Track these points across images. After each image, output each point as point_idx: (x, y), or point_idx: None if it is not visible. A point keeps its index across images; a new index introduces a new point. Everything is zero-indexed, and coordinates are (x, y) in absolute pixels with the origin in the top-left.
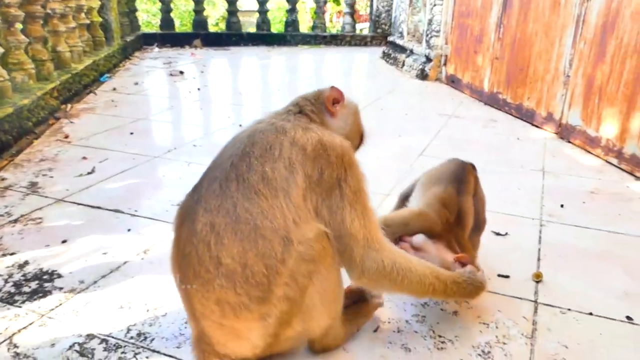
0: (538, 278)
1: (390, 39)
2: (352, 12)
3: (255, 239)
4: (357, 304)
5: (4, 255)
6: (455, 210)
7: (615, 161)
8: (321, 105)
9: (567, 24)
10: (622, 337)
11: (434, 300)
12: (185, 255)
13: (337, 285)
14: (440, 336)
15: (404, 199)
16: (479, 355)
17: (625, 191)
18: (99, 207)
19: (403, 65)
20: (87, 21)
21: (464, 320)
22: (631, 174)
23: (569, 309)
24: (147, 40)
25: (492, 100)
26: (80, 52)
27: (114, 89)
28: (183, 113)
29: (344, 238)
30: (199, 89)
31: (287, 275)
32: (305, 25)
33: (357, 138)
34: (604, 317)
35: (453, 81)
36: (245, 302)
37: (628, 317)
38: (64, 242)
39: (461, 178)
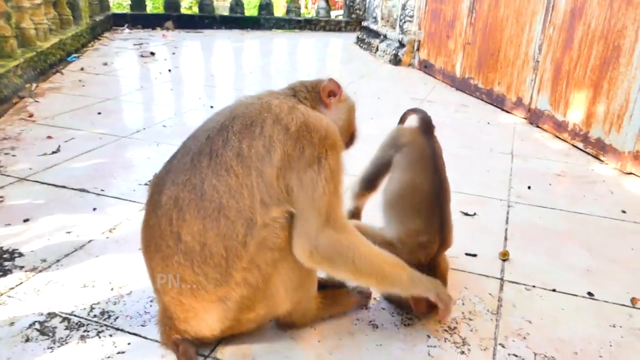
0: (504, 257)
1: (364, 24)
2: None
3: (217, 218)
4: (340, 292)
5: None
6: (429, 257)
7: (581, 145)
8: (316, 95)
9: (537, 10)
10: (583, 311)
11: None
12: (150, 227)
13: (305, 273)
14: (407, 313)
15: (367, 184)
16: (445, 330)
17: (590, 174)
18: (63, 186)
19: (377, 50)
20: None
21: None
22: (596, 157)
23: (534, 286)
24: (118, 21)
25: (463, 86)
26: (46, 30)
27: (82, 68)
28: (153, 94)
29: (306, 211)
30: (169, 70)
31: (248, 260)
32: (280, 10)
33: (348, 135)
34: (567, 293)
35: (426, 66)
36: (203, 283)
37: (589, 293)
38: (25, 221)
39: (443, 207)
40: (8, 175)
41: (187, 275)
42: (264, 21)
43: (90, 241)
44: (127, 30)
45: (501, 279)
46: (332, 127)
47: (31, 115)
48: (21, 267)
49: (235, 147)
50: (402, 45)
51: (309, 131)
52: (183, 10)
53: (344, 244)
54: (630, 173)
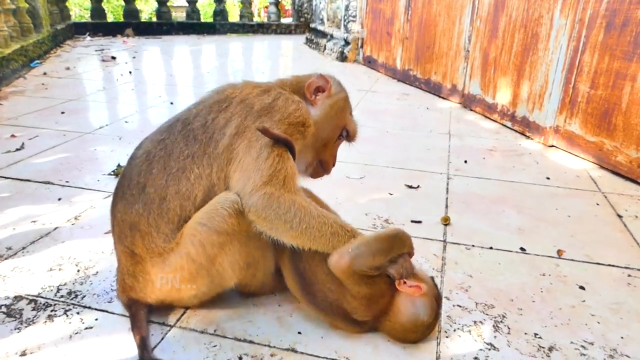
0: (446, 222)
1: (312, 25)
2: (277, 2)
3: (179, 178)
4: None
5: None
6: None
7: (509, 124)
8: (302, 89)
9: (465, 4)
10: (517, 264)
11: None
12: (123, 175)
13: (254, 253)
14: None
15: None
16: None
17: (517, 148)
18: (28, 180)
19: (324, 49)
20: (13, 6)
21: None
22: (522, 134)
23: (473, 245)
24: (79, 30)
25: (404, 77)
26: (6, 37)
27: (45, 73)
28: (115, 94)
29: (248, 172)
30: (130, 72)
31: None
32: (234, 17)
33: (338, 129)
34: (502, 249)
35: (370, 61)
36: (153, 235)
37: (521, 248)
38: None
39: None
40: None
41: (142, 225)
42: (219, 26)
43: (56, 228)
44: (88, 38)
45: (444, 241)
46: (301, 112)
47: None
48: None
49: (203, 118)
50: (347, 43)
51: (271, 110)
52: (143, 20)
53: (282, 201)
54: (552, 146)
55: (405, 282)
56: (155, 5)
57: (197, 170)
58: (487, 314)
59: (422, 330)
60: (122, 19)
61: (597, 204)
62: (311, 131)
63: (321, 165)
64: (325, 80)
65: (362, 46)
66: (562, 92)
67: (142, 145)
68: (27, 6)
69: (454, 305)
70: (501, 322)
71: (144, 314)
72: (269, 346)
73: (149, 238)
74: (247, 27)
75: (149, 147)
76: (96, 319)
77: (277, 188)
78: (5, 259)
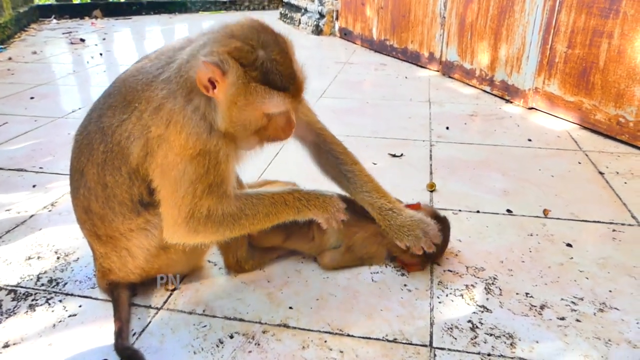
0: (432, 188)
1: (285, 0)
2: None
3: (110, 172)
4: None
5: None
6: None
7: (488, 89)
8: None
9: None
10: (505, 226)
11: None
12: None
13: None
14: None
15: None
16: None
17: (498, 112)
18: (0, 168)
19: (299, 23)
20: None
21: None
22: (502, 98)
23: (460, 210)
24: (44, 13)
25: (381, 47)
26: None
27: (10, 58)
28: (87, 77)
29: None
30: (101, 54)
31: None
32: None
33: (260, 120)
34: (489, 212)
35: (345, 34)
36: (110, 216)
37: (508, 210)
38: None
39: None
40: None
41: (95, 208)
42: (190, 4)
43: (32, 216)
44: (54, 21)
45: (431, 207)
46: (193, 142)
47: None
48: None
49: (109, 119)
50: (322, 16)
51: (168, 140)
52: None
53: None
54: (532, 108)
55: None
56: None
57: (115, 178)
58: (478, 277)
59: None
60: (89, 0)
61: (579, 163)
62: (224, 139)
63: (274, 139)
64: (215, 67)
65: (337, 18)
66: (539, 54)
67: (82, 124)
68: None
69: (444, 271)
70: (492, 284)
71: (127, 297)
72: (260, 323)
73: (108, 219)
74: (219, 4)
75: (80, 129)
76: (80, 306)
77: (199, 219)
78: None
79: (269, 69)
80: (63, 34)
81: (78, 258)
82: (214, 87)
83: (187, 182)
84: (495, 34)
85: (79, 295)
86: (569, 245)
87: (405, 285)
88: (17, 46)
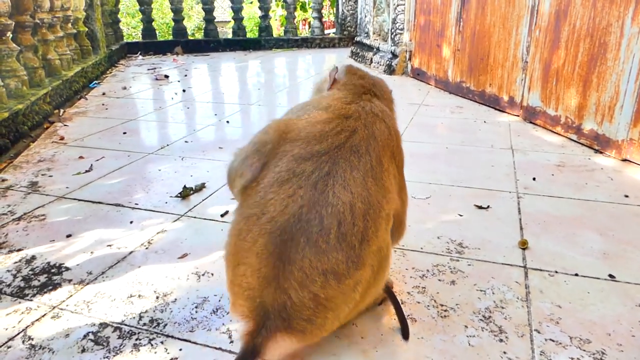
0: (524, 245)
1: (357, 39)
2: (320, 17)
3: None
4: None
5: (10, 251)
6: None
7: (575, 137)
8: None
9: (522, 15)
10: (608, 293)
11: (431, 272)
12: (299, 219)
13: None
14: (442, 305)
15: None
16: (481, 320)
17: (587, 163)
18: (99, 202)
19: (371, 62)
20: (74, 31)
21: (461, 289)
22: (590, 147)
23: (556, 272)
24: (131, 49)
25: (457, 89)
26: (69, 60)
27: (104, 93)
28: (171, 113)
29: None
30: (184, 90)
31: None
32: (275, 32)
33: None
34: (589, 276)
35: (418, 74)
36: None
37: (610, 275)
38: (68, 236)
39: None
40: (47, 195)
41: (341, 270)
42: (264, 42)
43: (131, 252)
44: (140, 57)
45: (524, 267)
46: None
47: (62, 138)
48: (69, 281)
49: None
50: (394, 56)
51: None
52: (189, 37)
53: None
54: (626, 160)
55: None
56: (197, 22)
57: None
58: (584, 350)
59: None
60: (168, 37)
61: None
62: None
63: None
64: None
65: (410, 59)
66: (635, 103)
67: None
68: (87, 29)
69: (546, 340)
70: (601, 359)
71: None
72: None
73: (344, 278)
74: (291, 42)
75: (341, 191)
76: (180, 349)
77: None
78: (87, 284)
79: None
80: (148, 69)
81: (175, 299)
82: None
83: None
84: (585, 81)
85: (179, 338)
86: None
87: (504, 352)
88: (109, 81)
